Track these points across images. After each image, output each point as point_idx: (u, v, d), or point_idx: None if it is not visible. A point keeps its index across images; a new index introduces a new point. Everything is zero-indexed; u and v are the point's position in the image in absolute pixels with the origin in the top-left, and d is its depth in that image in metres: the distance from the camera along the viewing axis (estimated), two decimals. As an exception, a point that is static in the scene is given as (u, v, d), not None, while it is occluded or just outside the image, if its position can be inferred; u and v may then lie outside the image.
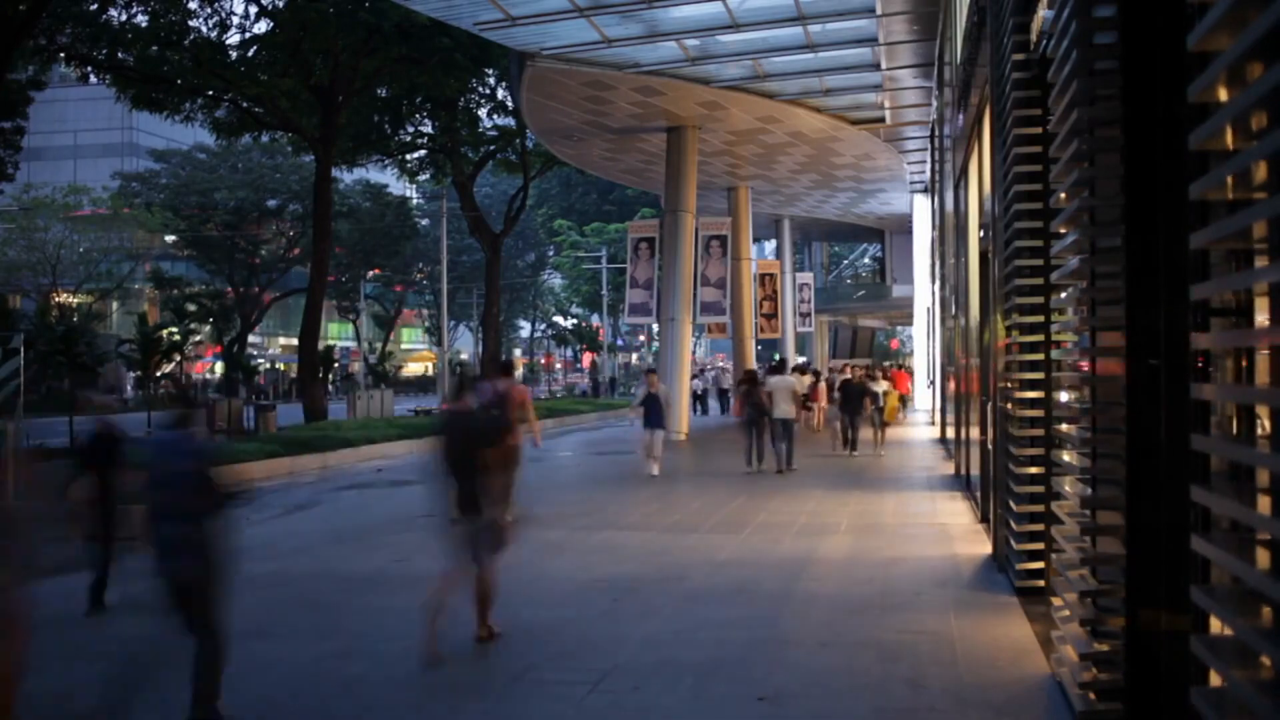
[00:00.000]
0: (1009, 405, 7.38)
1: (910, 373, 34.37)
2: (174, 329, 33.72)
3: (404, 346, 78.21)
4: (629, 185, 38.13)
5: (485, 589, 6.28)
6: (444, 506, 6.16)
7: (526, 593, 7.74)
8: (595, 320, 62.53)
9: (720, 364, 52.88)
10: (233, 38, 39.95)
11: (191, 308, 45.63)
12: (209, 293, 49.57)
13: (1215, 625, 3.18)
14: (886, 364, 38.99)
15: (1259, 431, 2.89)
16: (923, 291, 27.88)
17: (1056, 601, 5.52)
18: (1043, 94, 6.46)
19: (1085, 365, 4.96)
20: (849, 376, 20.31)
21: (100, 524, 7.13)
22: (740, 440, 16.18)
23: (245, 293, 49.73)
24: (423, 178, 36.37)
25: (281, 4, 25.27)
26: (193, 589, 4.86)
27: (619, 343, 67.10)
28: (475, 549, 6.14)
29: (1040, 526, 6.88)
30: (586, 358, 64.24)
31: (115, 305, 51.01)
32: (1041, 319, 6.90)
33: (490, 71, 28.56)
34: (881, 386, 20.09)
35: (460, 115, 30.24)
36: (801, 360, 34.43)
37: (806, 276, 42.62)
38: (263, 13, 25.67)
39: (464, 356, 71.25)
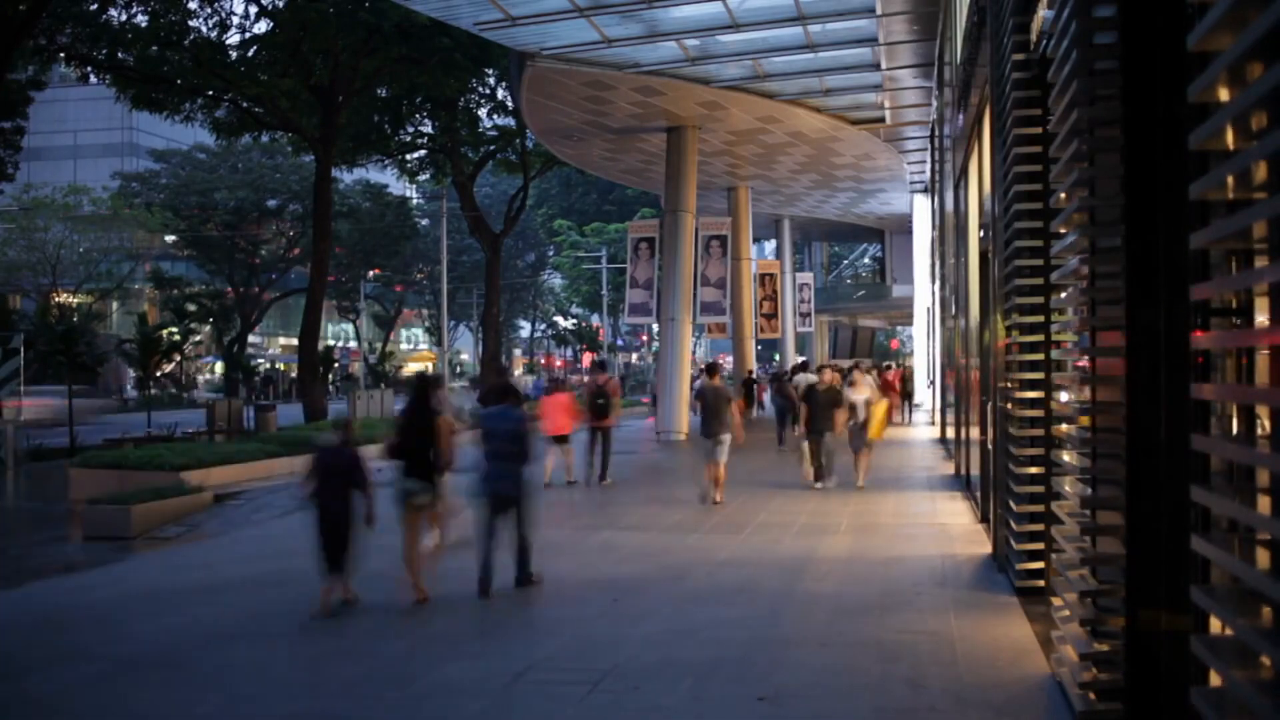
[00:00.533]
0: (1009, 405, 7.38)
1: (906, 372, 31.38)
2: (174, 329, 33.69)
3: (403, 346, 78.25)
4: (629, 185, 38.12)
5: (718, 474, 12.15)
6: (702, 432, 12.10)
7: (526, 592, 7.75)
8: (595, 320, 62.56)
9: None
10: (233, 38, 40.03)
11: (191, 308, 45.63)
12: (209, 293, 49.58)
13: (1215, 625, 3.18)
14: (886, 364, 37.66)
15: (1259, 431, 2.89)
16: (923, 291, 27.87)
17: (1056, 601, 5.52)
18: (1043, 94, 6.46)
19: (1085, 365, 4.96)
20: (816, 381, 14.71)
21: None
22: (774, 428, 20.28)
23: (245, 293, 49.74)
24: (423, 178, 36.36)
25: (281, 4, 25.26)
26: (511, 502, 7.76)
27: (619, 343, 67.11)
28: (713, 453, 12.02)
29: (1040, 526, 6.88)
30: (586, 358, 64.25)
31: (115, 305, 51.03)
32: (1041, 319, 6.90)
33: (490, 71, 28.54)
34: (861, 395, 14.12)
35: (460, 115, 30.24)
36: (801, 359, 34.44)
37: (806, 276, 42.60)
38: (263, 13, 25.66)
39: (464, 356, 71.30)
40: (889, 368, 31.81)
